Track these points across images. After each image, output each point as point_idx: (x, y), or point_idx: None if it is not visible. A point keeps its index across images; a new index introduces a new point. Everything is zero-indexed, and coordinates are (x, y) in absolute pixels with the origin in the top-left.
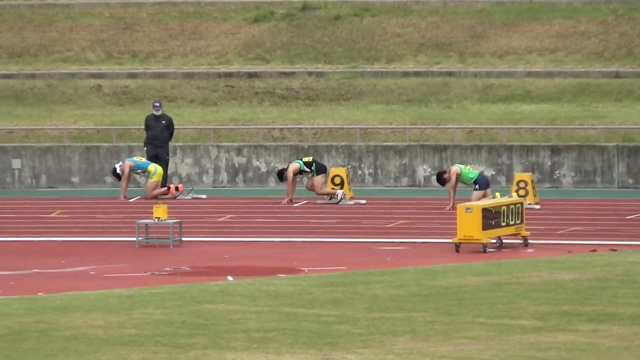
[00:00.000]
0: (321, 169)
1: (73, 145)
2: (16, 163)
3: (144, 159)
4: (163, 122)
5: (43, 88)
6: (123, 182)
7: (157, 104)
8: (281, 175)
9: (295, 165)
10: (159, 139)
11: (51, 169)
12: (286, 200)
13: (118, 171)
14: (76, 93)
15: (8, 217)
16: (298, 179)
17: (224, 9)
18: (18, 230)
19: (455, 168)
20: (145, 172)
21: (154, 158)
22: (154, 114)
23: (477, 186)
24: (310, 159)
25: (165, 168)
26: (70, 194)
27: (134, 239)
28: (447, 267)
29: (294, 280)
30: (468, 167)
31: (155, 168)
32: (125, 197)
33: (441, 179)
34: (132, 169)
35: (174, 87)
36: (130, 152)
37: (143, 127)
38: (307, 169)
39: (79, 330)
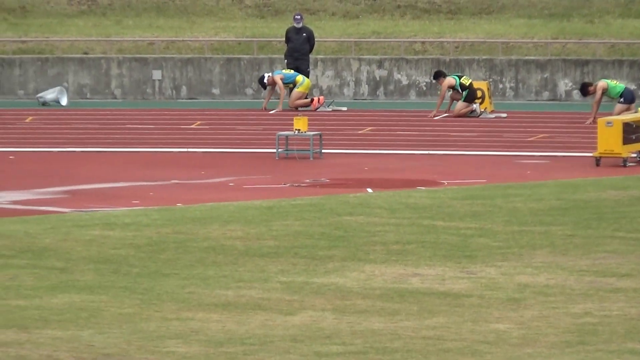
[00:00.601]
0: (471, 97)
1: (214, 57)
2: (157, 74)
3: (291, 71)
4: (304, 34)
5: (185, 0)
6: (281, 93)
7: (298, 17)
8: (438, 75)
9: (451, 80)
10: (299, 51)
11: (192, 81)
12: (435, 112)
13: (265, 80)
14: (218, 5)
15: (148, 128)
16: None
17: None
18: (158, 141)
19: (602, 83)
20: (293, 82)
21: (294, 70)
22: (294, 27)
23: (622, 99)
24: (469, 82)
25: None
26: (210, 106)
27: (274, 150)
28: (587, 181)
29: (433, 193)
30: (614, 81)
31: (303, 79)
32: (282, 107)
33: (585, 89)
34: (283, 81)
35: None
36: (271, 64)
37: (284, 39)
38: (459, 90)
39: (218, 241)
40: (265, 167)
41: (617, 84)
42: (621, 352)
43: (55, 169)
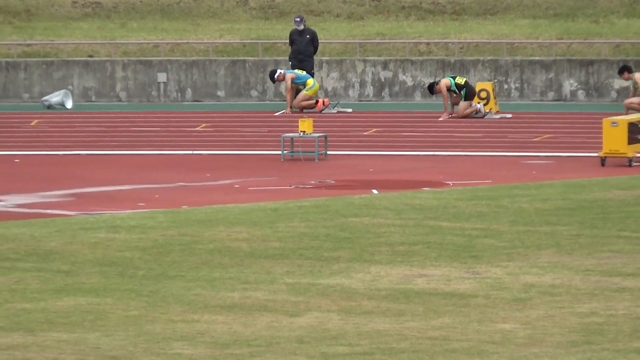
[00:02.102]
0: (470, 94)
1: (219, 59)
2: (162, 77)
3: (304, 72)
4: (307, 36)
5: (189, 2)
6: (287, 95)
7: (298, 19)
8: (431, 88)
9: (446, 81)
10: (303, 53)
11: (197, 83)
12: (445, 115)
13: (276, 76)
14: (222, 7)
15: (154, 131)
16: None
17: None
18: (163, 144)
19: (445, 80)
20: (303, 84)
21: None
22: (297, 29)
23: (305, 87)
24: (464, 81)
25: None
26: (215, 108)
27: (279, 152)
28: (593, 181)
29: (438, 194)
30: (457, 78)
31: (314, 83)
32: (291, 109)
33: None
34: (293, 81)
35: (320, 1)
36: (276, 66)
37: (288, 41)
38: (456, 90)
39: (223, 243)
40: (270, 169)
41: (460, 81)
42: (627, 351)
43: (60, 172)
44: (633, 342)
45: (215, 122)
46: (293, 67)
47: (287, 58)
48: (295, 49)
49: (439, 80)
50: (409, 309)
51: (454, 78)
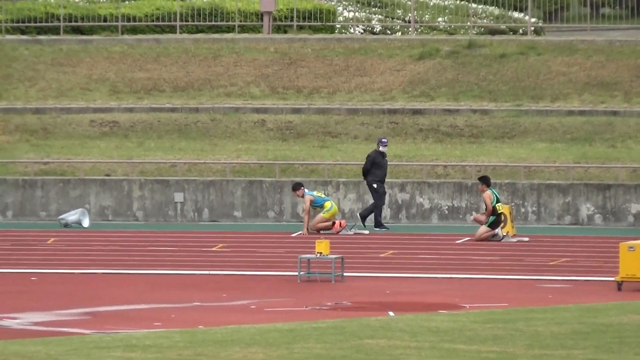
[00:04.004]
0: (496, 223)
1: (236, 179)
2: (179, 197)
3: (323, 194)
4: (386, 158)
5: (207, 122)
6: (305, 217)
7: (385, 140)
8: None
9: (491, 196)
10: (385, 176)
11: (214, 203)
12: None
13: (298, 190)
14: (240, 127)
15: (170, 250)
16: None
17: (389, 45)
18: (180, 264)
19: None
20: (321, 206)
21: (383, 195)
22: (379, 151)
23: (323, 210)
24: (501, 210)
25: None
26: (232, 228)
27: (296, 273)
28: (609, 305)
29: (455, 317)
30: (319, 193)
31: (331, 205)
32: (308, 231)
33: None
34: (311, 203)
35: (337, 122)
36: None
37: (364, 164)
38: (486, 211)
39: None
40: (287, 290)
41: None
42: None
43: (76, 290)
44: None
45: (231, 242)
46: (377, 190)
47: (368, 182)
48: (380, 172)
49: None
50: None
51: (497, 200)
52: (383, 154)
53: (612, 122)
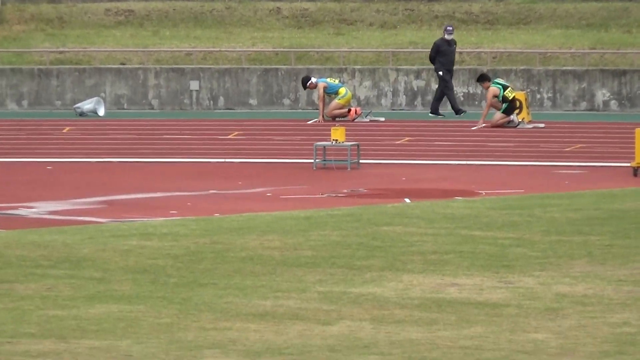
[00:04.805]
0: (511, 109)
1: (251, 67)
2: (194, 85)
3: (336, 81)
4: (454, 46)
5: (222, 10)
6: (320, 104)
7: (450, 28)
8: (482, 78)
9: (495, 90)
10: (453, 62)
11: (229, 91)
12: (480, 124)
13: (308, 83)
14: (255, 16)
15: (186, 139)
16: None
17: None
18: (195, 152)
19: (494, 89)
20: (335, 93)
21: (449, 83)
22: (444, 39)
23: (337, 96)
24: (513, 96)
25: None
26: (247, 116)
27: (312, 161)
28: (625, 191)
29: (471, 203)
30: (507, 90)
31: (346, 91)
32: (324, 118)
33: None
34: (325, 90)
35: (353, 10)
36: (309, 74)
37: (430, 51)
38: (501, 100)
39: (255, 251)
40: (302, 178)
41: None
42: None
43: (92, 179)
44: None
45: (247, 130)
46: (445, 77)
47: (434, 69)
48: (445, 60)
49: (487, 78)
50: (441, 318)
51: (504, 88)
52: (449, 42)
53: (628, 8)
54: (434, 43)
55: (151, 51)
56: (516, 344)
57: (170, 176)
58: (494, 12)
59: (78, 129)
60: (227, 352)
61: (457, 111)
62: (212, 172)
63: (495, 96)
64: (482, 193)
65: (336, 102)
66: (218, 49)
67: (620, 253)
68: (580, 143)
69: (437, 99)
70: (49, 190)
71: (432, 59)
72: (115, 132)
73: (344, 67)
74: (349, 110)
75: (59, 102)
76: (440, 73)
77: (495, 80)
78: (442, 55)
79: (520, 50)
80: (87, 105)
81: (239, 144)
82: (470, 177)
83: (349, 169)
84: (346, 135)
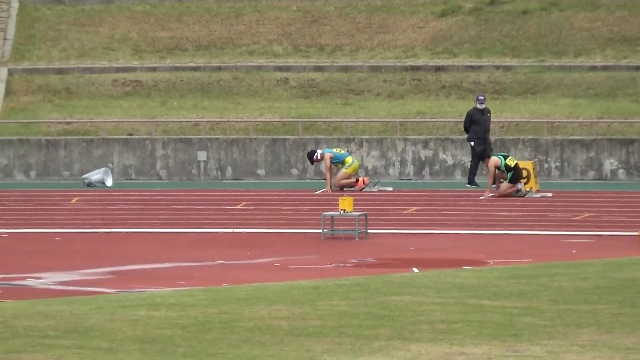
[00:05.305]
0: (517, 178)
1: (259, 137)
2: (202, 155)
3: (342, 151)
4: (488, 114)
5: (229, 81)
6: (327, 174)
7: (482, 97)
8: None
9: (496, 160)
10: (487, 132)
11: (237, 161)
12: (487, 194)
13: (314, 156)
14: (262, 86)
15: (194, 209)
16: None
17: (411, 2)
18: (203, 222)
19: (495, 159)
20: (342, 162)
21: (482, 152)
22: (477, 108)
23: (344, 166)
24: (515, 163)
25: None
26: (255, 186)
27: (320, 230)
28: (633, 260)
29: (479, 272)
30: (509, 159)
31: (352, 160)
32: (331, 188)
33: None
34: (332, 160)
35: (360, 80)
36: (317, 144)
37: (463, 122)
38: (504, 170)
39: (263, 321)
40: (310, 247)
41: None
42: None
43: (100, 249)
44: None
45: (255, 200)
46: (477, 148)
47: (467, 139)
48: (479, 129)
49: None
50: None
51: (505, 157)
52: (482, 111)
53: (635, 77)
54: (467, 113)
55: (159, 122)
56: None
57: (178, 246)
58: (501, 82)
59: (86, 199)
60: None
61: (471, 182)
62: (220, 242)
63: (497, 167)
64: (490, 262)
65: (344, 171)
66: (226, 119)
67: (628, 322)
68: (588, 212)
69: (472, 171)
70: (57, 260)
71: (467, 129)
72: (123, 203)
73: (351, 137)
74: (357, 180)
75: (66, 173)
76: (472, 143)
77: (495, 154)
78: (476, 124)
79: (527, 120)
80: (95, 175)
81: (247, 214)
82: (478, 246)
83: (356, 239)
84: (354, 205)
